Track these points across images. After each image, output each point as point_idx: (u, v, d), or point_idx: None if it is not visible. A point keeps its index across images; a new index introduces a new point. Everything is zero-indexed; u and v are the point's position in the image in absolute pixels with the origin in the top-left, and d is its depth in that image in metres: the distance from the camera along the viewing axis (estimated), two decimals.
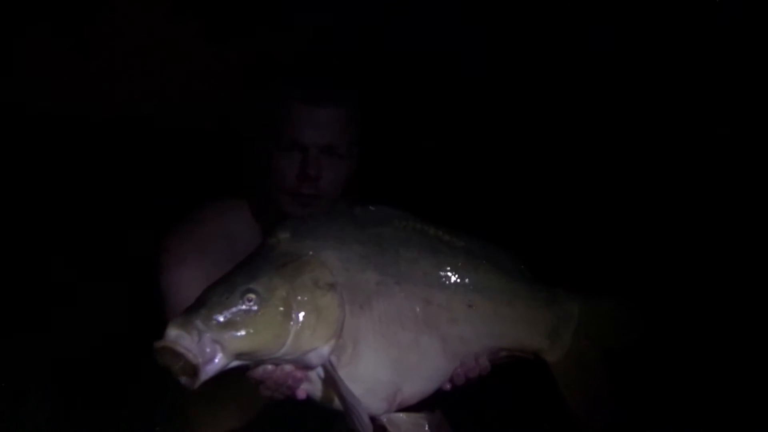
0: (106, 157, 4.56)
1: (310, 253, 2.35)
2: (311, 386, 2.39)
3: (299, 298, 2.30)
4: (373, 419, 2.42)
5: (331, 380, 2.34)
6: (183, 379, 2.25)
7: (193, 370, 2.22)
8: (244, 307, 2.26)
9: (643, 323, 2.74)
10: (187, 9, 4.66)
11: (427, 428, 2.50)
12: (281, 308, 2.29)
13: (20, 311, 3.87)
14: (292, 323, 2.29)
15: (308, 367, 2.36)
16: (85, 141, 4.63)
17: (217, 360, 2.23)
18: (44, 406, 3.45)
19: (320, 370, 2.37)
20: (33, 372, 3.57)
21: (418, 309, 2.46)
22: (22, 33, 4.69)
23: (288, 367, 2.34)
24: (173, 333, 2.22)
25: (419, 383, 2.48)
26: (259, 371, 2.34)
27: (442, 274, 2.51)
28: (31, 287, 4.01)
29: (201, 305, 2.26)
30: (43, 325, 3.81)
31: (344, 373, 2.35)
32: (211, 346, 2.23)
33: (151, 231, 2.86)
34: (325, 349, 2.33)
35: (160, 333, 2.23)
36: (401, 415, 2.47)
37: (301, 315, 2.30)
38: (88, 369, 3.53)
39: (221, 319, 2.24)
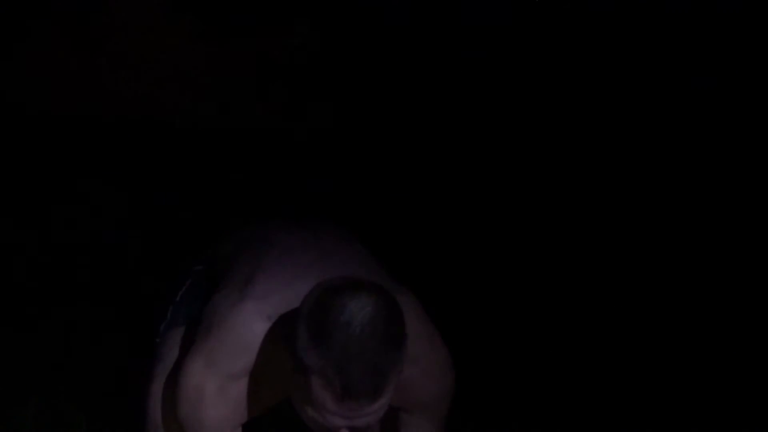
0: (106, 155, 4.56)
1: None
2: None
3: None
4: None
5: None
6: None
7: None
8: None
9: None
10: (186, 9, 4.67)
11: None
12: None
13: (20, 311, 3.86)
14: None
15: None
16: (84, 140, 4.63)
17: None
18: (44, 408, 3.43)
19: None
20: (33, 373, 3.56)
21: None
22: (22, 32, 4.73)
23: None
24: None
25: None
26: None
27: None
28: (31, 286, 4.00)
29: None
30: (42, 325, 3.81)
31: None
32: None
33: (150, 230, 2.82)
34: None
35: None
36: None
37: None
38: (89, 369, 3.52)
39: None
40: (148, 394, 2.41)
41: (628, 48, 4.58)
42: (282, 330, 2.20)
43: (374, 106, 4.35)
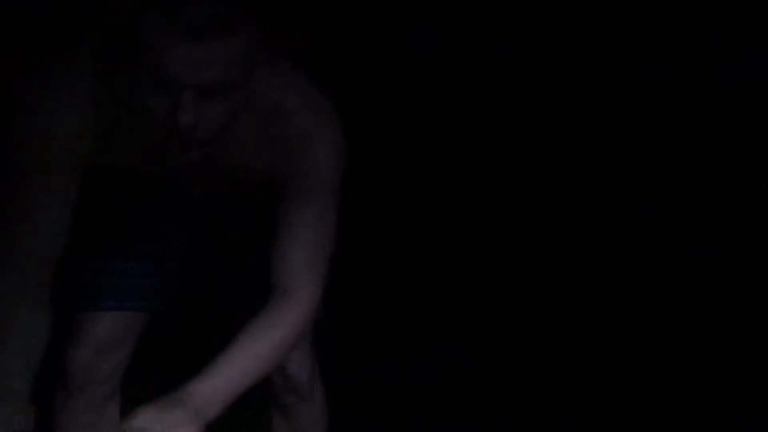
0: None
1: None
2: None
3: None
4: None
5: None
6: None
7: None
8: None
9: None
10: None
11: None
12: None
13: None
14: None
15: None
16: None
17: None
18: (44, 407, 3.41)
19: None
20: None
21: None
22: (21, 31, 4.71)
23: None
24: None
25: None
26: None
27: None
28: None
29: None
30: None
31: None
32: None
33: None
34: None
35: None
36: None
37: None
38: None
39: None
40: None
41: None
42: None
43: (374, 106, 4.33)
